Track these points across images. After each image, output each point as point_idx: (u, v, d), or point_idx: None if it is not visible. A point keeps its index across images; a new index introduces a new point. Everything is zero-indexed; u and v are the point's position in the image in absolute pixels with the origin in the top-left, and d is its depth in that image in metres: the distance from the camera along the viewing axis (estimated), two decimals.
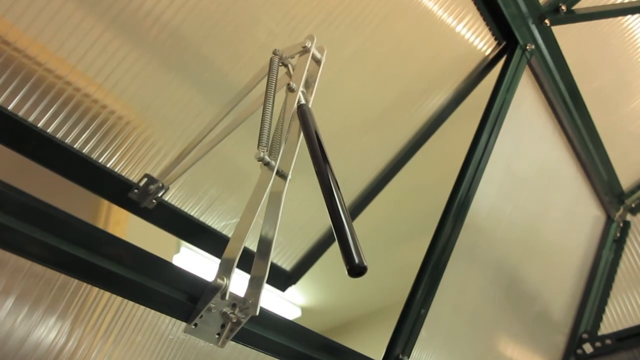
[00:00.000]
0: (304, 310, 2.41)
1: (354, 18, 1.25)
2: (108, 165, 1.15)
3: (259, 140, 0.76)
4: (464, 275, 1.45)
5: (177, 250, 1.84)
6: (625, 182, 2.00)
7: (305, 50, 0.86)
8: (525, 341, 1.72)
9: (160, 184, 1.15)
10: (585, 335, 1.86)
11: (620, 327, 1.85)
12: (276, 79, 0.85)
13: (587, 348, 1.83)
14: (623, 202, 2.05)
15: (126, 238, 0.72)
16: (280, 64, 0.88)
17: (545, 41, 1.52)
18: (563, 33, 1.51)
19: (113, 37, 1.04)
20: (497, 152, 1.44)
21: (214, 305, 0.73)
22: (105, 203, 1.35)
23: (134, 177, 1.19)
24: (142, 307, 0.76)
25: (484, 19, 1.42)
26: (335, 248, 0.59)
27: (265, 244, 0.75)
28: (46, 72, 1.01)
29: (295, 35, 1.19)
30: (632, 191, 2.04)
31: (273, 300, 2.29)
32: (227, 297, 0.73)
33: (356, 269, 0.56)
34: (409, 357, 1.21)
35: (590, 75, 1.65)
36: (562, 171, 1.81)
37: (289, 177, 0.77)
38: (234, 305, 0.75)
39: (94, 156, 1.13)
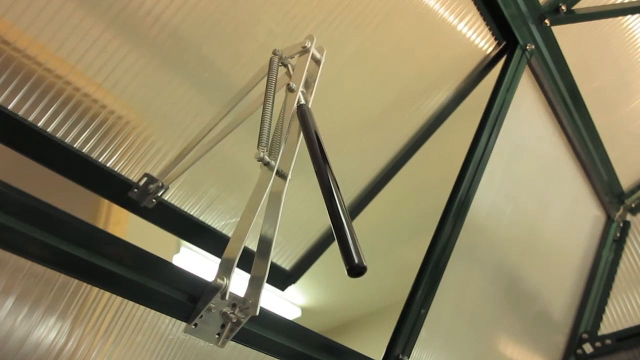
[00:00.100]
0: (304, 310, 2.41)
1: (354, 18, 1.25)
2: (108, 165, 1.15)
3: (259, 140, 0.76)
4: (464, 275, 1.45)
5: (177, 250, 1.84)
6: (625, 182, 2.00)
7: (305, 51, 0.86)
8: (525, 341, 1.72)
9: (160, 184, 1.15)
10: (585, 335, 1.86)
11: (620, 327, 1.85)
12: (276, 79, 0.85)
13: (587, 348, 1.83)
14: (623, 202, 2.05)
15: (126, 238, 0.72)
16: (280, 64, 0.88)
17: (545, 41, 1.52)
18: (563, 33, 1.51)
19: (113, 36, 1.04)
20: (497, 152, 1.44)
21: (214, 305, 0.73)
22: (105, 203, 1.35)
23: (133, 176, 1.19)
24: (142, 307, 0.76)
25: (484, 19, 1.42)
26: (335, 248, 0.59)
27: (265, 244, 0.75)
28: (46, 71, 1.01)
29: (295, 35, 1.19)
30: (632, 191, 2.04)
31: (273, 300, 2.29)
32: (227, 297, 0.73)
33: (356, 269, 0.56)
34: (409, 357, 1.21)
35: (590, 75, 1.65)
36: (562, 171, 1.81)
37: (289, 177, 0.77)
38: (234, 305, 0.75)
39: (93, 155, 1.13)
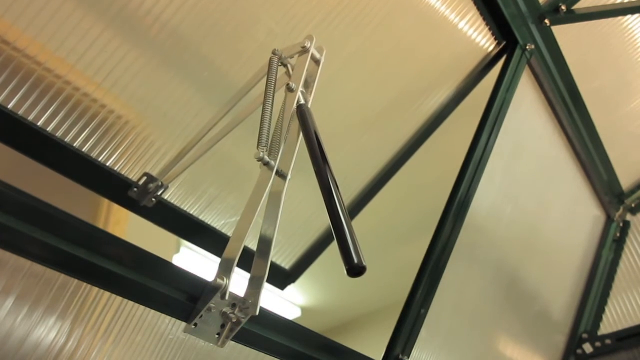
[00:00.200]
0: (304, 310, 2.41)
1: (354, 18, 1.25)
2: (108, 164, 1.15)
3: (259, 140, 0.76)
4: (464, 275, 1.45)
5: (177, 250, 1.84)
6: (625, 182, 2.00)
7: (304, 51, 0.86)
8: (525, 341, 1.72)
9: (160, 183, 1.15)
10: (585, 335, 1.86)
11: (620, 327, 1.85)
12: (275, 79, 0.85)
13: (587, 348, 1.83)
14: (623, 202, 2.05)
15: (126, 238, 0.72)
16: (280, 64, 0.88)
17: (545, 41, 1.52)
18: (563, 33, 1.51)
19: (112, 36, 1.04)
20: (497, 152, 1.44)
21: (214, 305, 0.73)
22: (105, 203, 1.35)
23: (133, 175, 1.19)
24: (142, 307, 0.76)
25: (484, 19, 1.42)
26: (335, 247, 0.59)
27: (265, 244, 0.75)
28: (46, 71, 1.01)
29: (295, 34, 1.19)
30: (632, 191, 2.04)
31: (273, 300, 2.29)
32: (227, 297, 0.73)
33: (355, 269, 0.56)
34: (409, 357, 1.21)
35: (590, 75, 1.65)
36: (562, 171, 1.81)
37: (289, 177, 0.77)
38: (234, 305, 0.75)
39: (93, 155, 1.13)
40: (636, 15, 1.55)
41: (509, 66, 1.46)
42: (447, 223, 1.31)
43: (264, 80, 0.86)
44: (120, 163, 1.17)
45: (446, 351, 1.40)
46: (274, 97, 0.82)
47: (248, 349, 0.86)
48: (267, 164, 0.75)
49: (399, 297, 1.28)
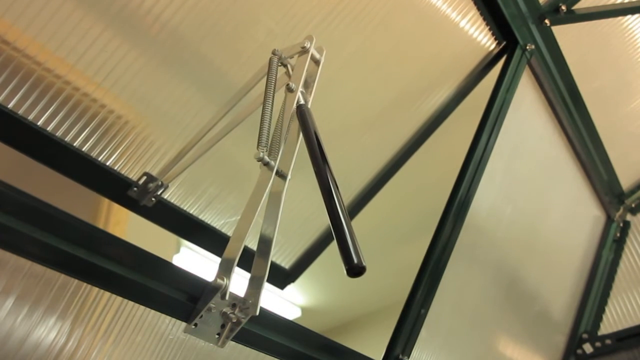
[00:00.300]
0: (304, 310, 2.41)
1: (354, 17, 1.25)
2: (107, 164, 1.15)
3: (259, 140, 0.76)
4: (464, 275, 1.45)
5: (177, 250, 1.84)
6: (625, 182, 2.00)
7: (304, 51, 0.86)
8: (525, 341, 1.72)
9: (160, 182, 1.15)
10: (585, 335, 1.86)
11: (620, 327, 1.85)
12: (275, 79, 0.85)
13: (587, 348, 1.83)
14: (623, 202, 2.05)
15: (126, 238, 0.72)
16: (280, 64, 0.88)
17: (545, 41, 1.52)
18: (563, 33, 1.51)
19: (112, 36, 1.04)
20: (497, 152, 1.44)
21: (214, 305, 0.73)
22: (105, 203, 1.35)
23: (133, 175, 1.19)
24: (142, 307, 0.76)
25: (484, 19, 1.42)
26: (335, 247, 0.59)
27: (265, 244, 0.75)
28: (45, 71, 1.01)
29: (294, 34, 1.19)
30: (632, 191, 2.04)
31: (273, 300, 2.30)
32: (227, 297, 0.73)
33: (355, 269, 0.56)
34: (409, 357, 1.21)
35: (590, 75, 1.65)
36: (562, 171, 1.81)
37: (289, 177, 0.77)
38: (234, 305, 0.75)
39: (93, 154, 1.13)
40: (636, 15, 1.55)
41: (509, 66, 1.46)
42: (447, 223, 1.31)
43: (264, 80, 0.86)
44: (120, 162, 1.17)
45: (446, 351, 1.40)
46: (273, 97, 0.82)
47: (248, 349, 0.86)
48: (267, 164, 0.75)
49: (399, 297, 1.28)
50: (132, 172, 1.19)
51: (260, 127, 0.77)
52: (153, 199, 1.18)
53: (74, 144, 1.10)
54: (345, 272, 0.56)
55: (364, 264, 0.56)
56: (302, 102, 0.81)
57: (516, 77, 1.48)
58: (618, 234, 2.03)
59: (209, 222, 1.40)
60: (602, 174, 1.89)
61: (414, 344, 1.24)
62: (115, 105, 1.11)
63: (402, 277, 1.36)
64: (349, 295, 2.38)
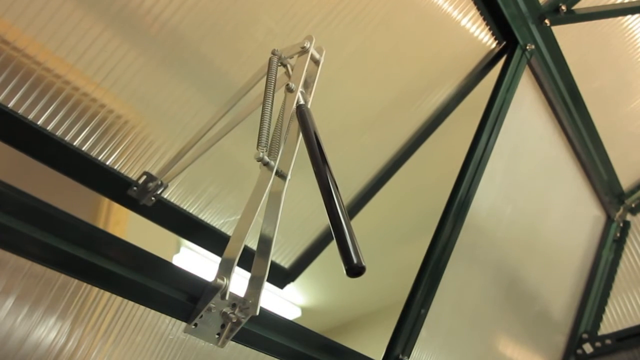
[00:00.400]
0: (304, 310, 2.41)
1: (354, 17, 1.25)
2: (107, 163, 1.15)
3: (258, 140, 0.76)
4: (464, 275, 1.45)
5: (177, 250, 1.84)
6: (625, 182, 2.00)
7: (304, 51, 0.86)
8: (525, 341, 1.72)
9: (159, 182, 1.16)
10: (585, 335, 1.86)
11: (620, 327, 1.85)
12: (275, 79, 0.85)
13: (587, 348, 1.83)
14: (623, 202, 2.05)
15: (126, 238, 0.72)
16: (279, 64, 0.88)
17: (545, 41, 1.52)
18: (563, 33, 1.51)
19: (112, 35, 1.04)
20: (497, 152, 1.44)
21: (214, 305, 0.73)
22: (105, 203, 1.35)
23: (133, 174, 1.19)
24: (142, 307, 0.76)
25: (484, 19, 1.42)
26: (335, 247, 0.59)
27: (265, 244, 0.75)
28: (45, 71, 1.01)
29: (294, 34, 1.19)
30: (632, 191, 2.04)
31: (273, 300, 2.30)
32: (227, 297, 0.73)
33: (355, 269, 0.56)
34: (409, 357, 1.21)
35: (590, 75, 1.65)
36: (562, 171, 1.81)
37: (289, 177, 0.77)
38: (234, 305, 0.75)
39: (93, 154, 1.13)
40: (636, 15, 1.55)
41: (509, 66, 1.46)
42: (447, 223, 1.31)
43: (264, 80, 0.86)
44: (120, 162, 1.17)
45: (446, 351, 1.40)
46: (273, 97, 0.82)
47: (248, 349, 0.86)
48: (266, 164, 0.75)
49: (399, 297, 1.28)
50: (132, 171, 1.19)
51: (260, 127, 0.77)
52: (153, 198, 1.18)
53: (74, 143, 1.10)
54: (345, 272, 0.56)
55: (363, 264, 0.56)
56: (301, 102, 0.81)
57: (516, 77, 1.48)
58: (618, 234, 2.03)
59: (208, 222, 1.40)
60: (602, 174, 1.89)
61: (414, 344, 1.24)
62: (115, 105, 1.11)
63: (402, 277, 1.36)
64: (349, 295, 2.38)
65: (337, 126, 1.46)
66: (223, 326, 0.75)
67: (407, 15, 1.33)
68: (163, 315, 0.78)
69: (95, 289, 0.71)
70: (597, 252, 2.00)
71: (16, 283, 0.66)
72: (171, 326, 0.80)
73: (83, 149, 1.11)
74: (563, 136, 1.74)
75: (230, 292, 0.73)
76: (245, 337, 0.82)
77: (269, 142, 0.77)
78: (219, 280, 0.72)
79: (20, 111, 1.02)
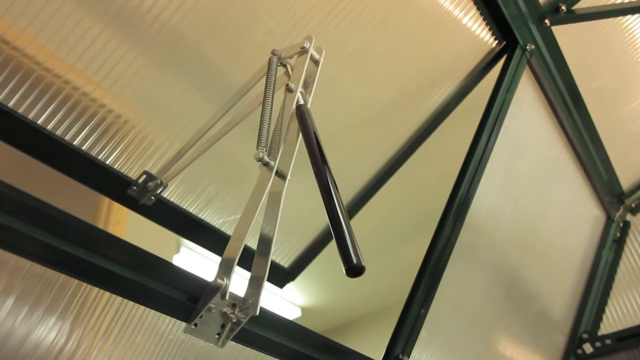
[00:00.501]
0: (304, 310, 2.41)
1: (354, 17, 1.25)
2: (107, 162, 1.15)
3: (258, 140, 0.76)
4: (464, 275, 1.45)
5: (177, 250, 1.84)
6: (625, 182, 2.00)
7: (303, 51, 0.86)
8: (525, 341, 1.72)
9: (159, 181, 1.16)
10: (585, 335, 1.86)
11: (620, 327, 1.85)
12: (275, 80, 0.85)
13: (587, 348, 1.83)
14: (623, 202, 2.05)
15: (126, 238, 0.72)
16: (279, 64, 0.88)
17: (545, 41, 1.52)
18: (563, 33, 1.51)
19: (112, 35, 1.04)
20: (497, 152, 1.44)
21: (214, 305, 0.73)
22: (105, 203, 1.35)
23: (132, 174, 1.19)
24: (142, 307, 0.76)
25: (484, 19, 1.42)
26: (335, 247, 0.59)
27: (265, 244, 0.75)
28: (45, 71, 1.01)
29: (294, 34, 1.19)
30: (632, 191, 2.04)
31: (273, 300, 2.30)
32: (227, 297, 0.73)
33: (354, 269, 0.56)
34: (409, 357, 1.21)
35: (590, 75, 1.65)
36: (562, 171, 1.81)
37: (288, 177, 0.77)
38: (234, 305, 0.75)
39: (93, 153, 1.13)
40: (636, 15, 1.55)
41: (509, 66, 1.46)
42: (447, 223, 1.31)
43: (263, 79, 0.86)
44: (120, 161, 1.17)
45: (446, 351, 1.40)
46: (273, 97, 0.82)
47: (248, 349, 0.86)
48: (266, 164, 0.75)
49: (399, 297, 1.28)
50: (132, 170, 1.19)
51: (260, 128, 0.77)
52: (152, 197, 1.18)
53: (74, 143, 1.10)
54: (344, 272, 0.56)
55: (363, 264, 0.56)
56: (301, 102, 0.81)
57: (516, 77, 1.48)
58: (618, 234, 2.03)
59: (208, 221, 1.40)
60: (602, 174, 1.89)
61: (414, 344, 1.24)
62: (115, 105, 1.11)
63: (402, 277, 1.36)
64: (349, 295, 2.38)
65: (336, 126, 1.46)
66: (223, 326, 0.75)
67: (407, 15, 1.33)
68: (163, 315, 0.78)
69: (95, 289, 0.71)
70: (597, 252, 2.00)
71: (16, 283, 0.66)
72: (171, 326, 0.80)
73: (83, 148, 1.11)
74: (563, 136, 1.74)
75: (230, 292, 0.73)
76: (245, 337, 0.82)
77: (269, 142, 0.77)
78: (219, 280, 0.72)
79: (20, 111, 1.02)
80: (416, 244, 1.40)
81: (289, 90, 0.82)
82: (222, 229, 1.43)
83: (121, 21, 1.04)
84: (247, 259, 0.76)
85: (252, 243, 0.99)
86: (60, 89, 1.04)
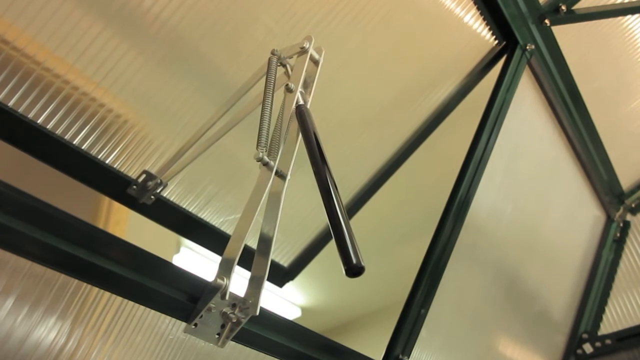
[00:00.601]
0: (304, 310, 2.41)
1: (354, 17, 1.25)
2: (107, 162, 1.15)
3: (258, 140, 0.76)
4: (464, 275, 1.45)
5: (177, 250, 1.84)
6: (625, 182, 2.00)
7: (303, 51, 0.86)
8: (525, 341, 1.72)
9: (159, 181, 1.16)
10: (585, 335, 1.86)
11: (620, 327, 1.85)
12: (274, 79, 0.85)
13: (587, 348, 1.83)
14: (623, 202, 2.05)
15: (126, 238, 0.72)
16: (279, 64, 0.88)
17: (545, 41, 1.52)
18: (563, 33, 1.51)
19: (111, 35, 1.04)
20: (497, 152, 1.44)
21: (214, 305, 0.73)
22: (105, 203, 1.35)
23: (132, 173, 1.19)
24: (142, 307, 0.76)
25: (484, 19, 1.42)
26: (334, 247, 0.59)
27: (265, 244, 0.75)
28: (45, 70, 1.01)
29: (294, 33, 1.19)
30: (632, 191, 2.04)
31: (273, 300, 2.30)
32: (227, 297, 0.73)
33: (354, 269, 0.56)
34: (409, 357, 1.21)
35: (590, 75, 1.65)
36: (562, 171, 1.81)
37: (288, 177, 0.77)
38: (234, 305, 0.75)
39: (93, 152, 1.13)
40: (636, 15, 1.55)
41: (509, 66, 1.46)
42: (447, 223, 1.31)
43: (263, 79, 0.86)
44: (120, 160, 1.17)
45: (446, 351, 1.40)
46: (272, 97, 0.82)
47: (248, 349, 0.86)
48: (266, 164, 0.75)
49: (399, 297, 1.28)
50: (132, 170, 1.19)
51: (260, 128, 0.77)
52: (152, 197, 1.18)
53: (74, 142, 1.10)
54: (344, 272, 0.56)
55: (362, 264, 0.56)
56: (301, 102, 0.81)
57: (516, 77, 1.48)
58: (618, 234, 2.03)
59: (208, 220, 1.40)
60: (602, 174, 1.89)
61: (414, 344, 1.24)
62: (115, 104, 1.11)
63: (402, 277, 1.36)
64: (349, 295, 2.38)
65: (336, 126, 1.46)
66: (223, 326, 0.75)
67: (407, 14, 1.33)
68: (163, 315, 0.78)
69: (95, 289, 0.71)
70: (597, 252, 2.00)
71: (16, 283, 0.66)
72: (171, 326, 0.80)
73: (83, 147, 1.11)
74: (563, 136, 1.74)
75: (230, 292, 0.73)
76: (245, 337, 0.82)
77: (269, 142, 0.77)
78: (219, 280, 0.72)
79: (20, 110, 1.02)
80: (416, 244, 1.40)
81: (288, 90, 0.82)
82: (222, 229, 1.43)
83: (121, 20, 1.04)
84: (247, 259, 0.76)
85: (252, 243, 0.99)
86: (60, 89, 1.04)
